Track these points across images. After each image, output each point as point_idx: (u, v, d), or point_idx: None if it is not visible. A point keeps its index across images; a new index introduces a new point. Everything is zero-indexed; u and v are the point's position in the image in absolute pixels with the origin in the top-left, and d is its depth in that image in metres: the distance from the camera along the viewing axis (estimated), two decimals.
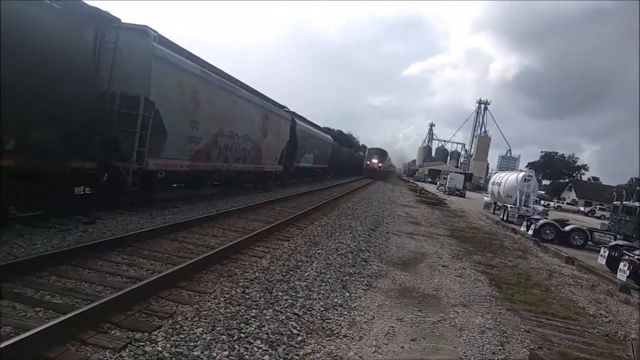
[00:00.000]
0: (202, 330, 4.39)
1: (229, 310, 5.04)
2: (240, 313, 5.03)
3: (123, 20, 9.27)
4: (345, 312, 5.87)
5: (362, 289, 7.08)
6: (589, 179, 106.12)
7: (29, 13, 7.13)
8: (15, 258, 5.73)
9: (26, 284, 5.00)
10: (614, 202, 24.06)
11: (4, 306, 4.35)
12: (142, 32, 10.10)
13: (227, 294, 5.57)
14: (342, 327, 5.32)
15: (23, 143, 6.96)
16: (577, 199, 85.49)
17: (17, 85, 6.65)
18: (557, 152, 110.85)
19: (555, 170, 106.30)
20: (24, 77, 6.81)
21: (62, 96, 7.57)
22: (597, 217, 53.43)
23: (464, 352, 5.26)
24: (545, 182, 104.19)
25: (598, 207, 62.39)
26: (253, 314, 5.06)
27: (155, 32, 10.37)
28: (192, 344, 4.08)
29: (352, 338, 5.08)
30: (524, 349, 5.63)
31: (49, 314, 4.32)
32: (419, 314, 6.34)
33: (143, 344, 3.94)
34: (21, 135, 6.91)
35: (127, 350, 3.80)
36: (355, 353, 4.71)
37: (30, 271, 5.31)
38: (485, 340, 5.71)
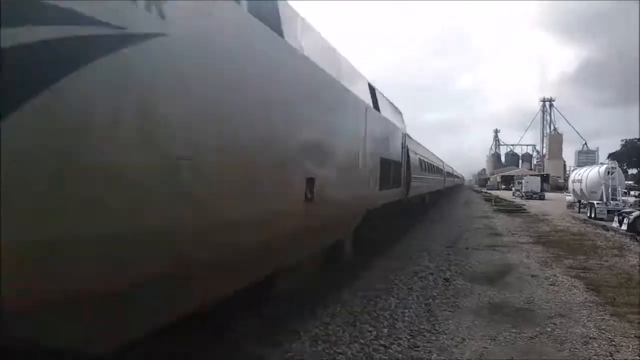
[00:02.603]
0: None
1: (315, 350, 5.03)
2: (326, 350, 5.01)
3: None
4: (434, 338, 5.67)
5: (449, 311, 6.82)
6: None
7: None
8: None
9: None
10: None
11: None
12: None
13: (309, 332, 5.57)
14: (432, 354, 5.14)
15: None
16: None
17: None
18: (639, 138, 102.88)
19: None
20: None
21: None
22: None
23: None
24: (632, 170, 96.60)
25: None
26: (340, 350, 5.02)
27: None
28: None
29: None
30: (638, 357, 5.14)
31: None
32: (513, 330, 5.99)
33: None
34: None
35: None
36: None
37: None
38: (591, 352, 5.29)
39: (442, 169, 31.00)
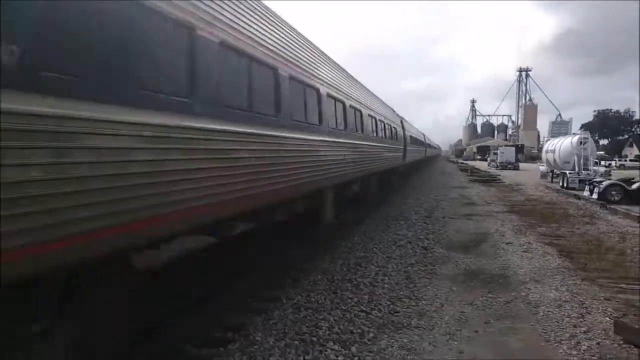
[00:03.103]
0: (274, 339, 4.47)
1: (297, 317, 5.10)
2: (308, 317, 5.08)
3: None
4: (413, 304, 5.79)
5: (427, 278, 6.97)
6: None
7: None
8: None
9: None
10: None
11: None
12: None
13: (292, 299, 5.63)
14: (412, 319, 5.26)
15: None
16: None
17: None
18: (611, 109, 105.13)
19: (612, 128, 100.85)
20: None
21: None
22: None
23: (543, 329, 5.07)
24: (603, 141, 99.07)
25: None
26: (322, 317, 5.10)
27: None
28: (267, 353, 4.16)
29: (424, 328, 5.01)
30: (607, 318, 5.36)
31: None
32: (489, 295, 6.17)
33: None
34: None
35: None
36: (430, 343, 4.65)
37: None
38: (564, 314, 5.48)
39: (396, 129, 18.17)
